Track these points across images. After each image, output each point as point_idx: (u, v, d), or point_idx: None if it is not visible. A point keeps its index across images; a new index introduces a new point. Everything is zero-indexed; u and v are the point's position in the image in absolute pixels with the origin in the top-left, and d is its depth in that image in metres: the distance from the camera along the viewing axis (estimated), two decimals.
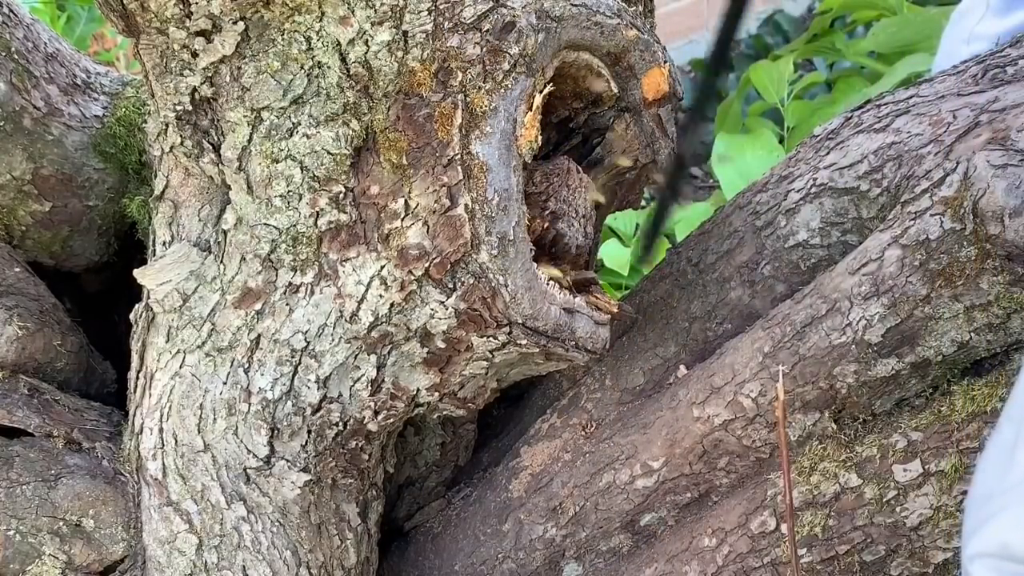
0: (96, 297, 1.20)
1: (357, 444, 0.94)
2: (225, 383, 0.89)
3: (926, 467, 0.83)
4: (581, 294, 0.89)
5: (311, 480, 0.93)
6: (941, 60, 1.38)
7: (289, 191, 0.81)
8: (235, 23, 0.76)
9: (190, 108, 0.82)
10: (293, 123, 0.79)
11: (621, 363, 1.02)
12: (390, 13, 0.75)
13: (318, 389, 0.88)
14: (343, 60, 0.77)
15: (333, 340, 0.86)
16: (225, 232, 0.86)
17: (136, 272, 0.90)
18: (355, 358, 0.87)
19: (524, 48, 0.79)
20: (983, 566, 0.63)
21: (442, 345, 0.86)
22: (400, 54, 0.77)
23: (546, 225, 0.87)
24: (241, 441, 0.90)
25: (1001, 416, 0.66)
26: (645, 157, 0.95)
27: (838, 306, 0.85)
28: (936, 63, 1.43)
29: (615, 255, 1.87)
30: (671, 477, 0.95)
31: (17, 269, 1.03)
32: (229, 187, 0.84)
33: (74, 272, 1.15)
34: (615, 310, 0.91)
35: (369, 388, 0.89)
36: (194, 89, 0.80)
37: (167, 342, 0.91)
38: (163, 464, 0.93)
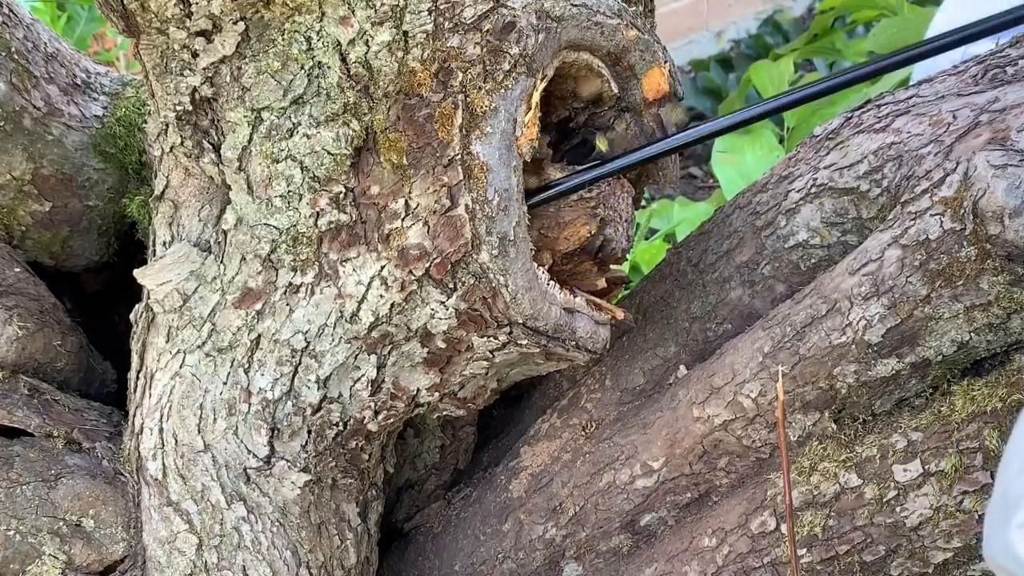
0: (96, 297, 1.20)
1: (357, 444, 0.94)
2: (225, 383, 0.89)
3: (926, 467, 0.83)
4: (598, 295, 0.90)
5: (311, 480, 0.93)
6: (942, 59, 1.39)
7: (289, 191, 0.81)
8: (235, 23, 0.76)
9: (190, 108, 0.82)
10: (293, 123, 0.79)
11: (621, 363, 1.02)
12: (390, 13, 0.75)
13: (318, 389, 0.88)
14: (343, 60, 0.77)
15: (333, 340, 0.86)
16: (225, 232, 0.86)
17: (136, 272, 0.90)
18: (355, 358, 0.87)
19: (524, 48, 0.79)
20: None
21: (442, 345, 0.86)
22: (400, 54, 0.77)
23: (594, 231, 0.87)
24: (241, 441, 0.91)
25: None
26: None
27: (838, 306, 0.85)
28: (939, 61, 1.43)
29: None
30: (671, 477, 0.95)
31: (17, 269, 1.03)
32: (229, 187, 0.84)
33: (74, 272, 1.15)
34: (620, 315, 0.91)
35: (369, 388, 0.89)
36: (194, 89, 0.80)
37: (167, 342, 0.91)
38: (163, 464, 0.93)
